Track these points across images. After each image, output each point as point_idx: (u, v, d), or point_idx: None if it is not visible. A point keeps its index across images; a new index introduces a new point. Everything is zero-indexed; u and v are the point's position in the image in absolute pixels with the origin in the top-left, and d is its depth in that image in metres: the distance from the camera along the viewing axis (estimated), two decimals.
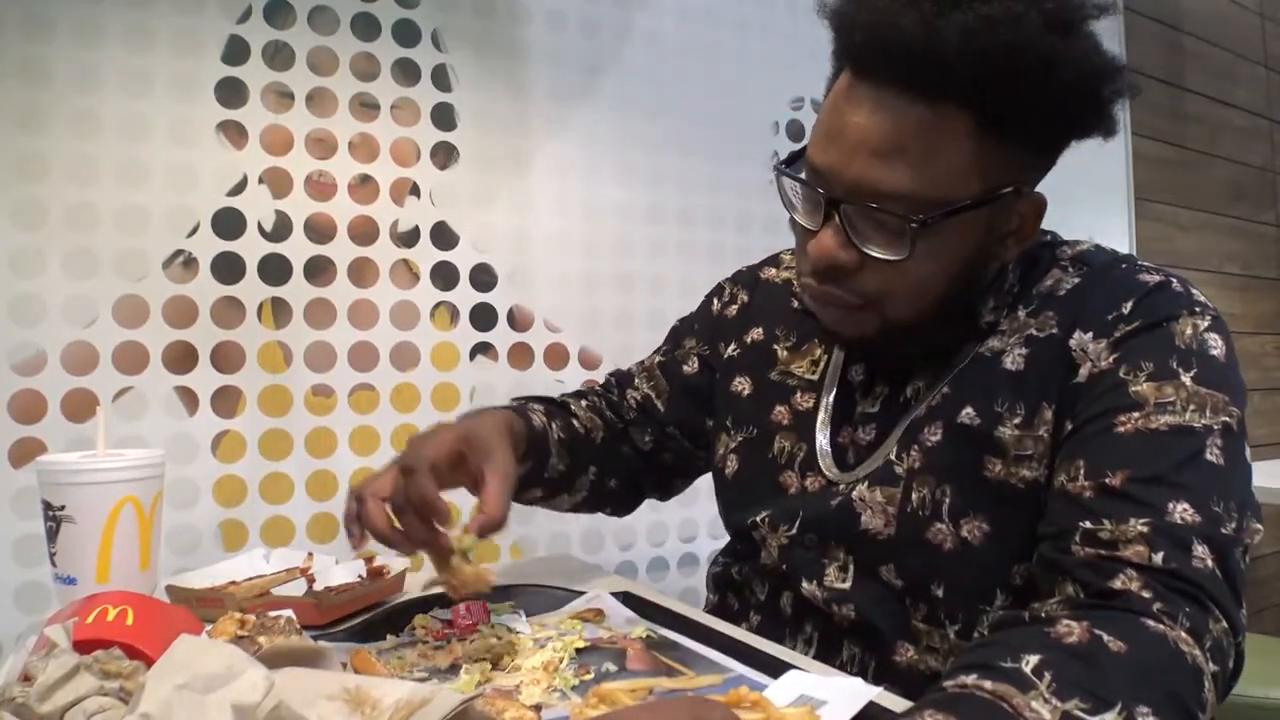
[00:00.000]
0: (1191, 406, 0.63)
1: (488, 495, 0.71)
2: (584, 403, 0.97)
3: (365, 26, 1.17)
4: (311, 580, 0.84)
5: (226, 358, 1.08)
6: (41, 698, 0.44)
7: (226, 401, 1.09)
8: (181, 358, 1.06)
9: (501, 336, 1.26)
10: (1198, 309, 0.68)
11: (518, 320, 1.28)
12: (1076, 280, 0.72)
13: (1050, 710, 0.48)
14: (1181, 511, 0.59)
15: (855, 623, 0.74)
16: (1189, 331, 0.66)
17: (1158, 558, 0.58)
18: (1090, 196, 1.99)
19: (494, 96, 1.26)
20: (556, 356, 1.30)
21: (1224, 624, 0.57)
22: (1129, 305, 0.68)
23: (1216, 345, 0.66)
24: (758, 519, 0.81)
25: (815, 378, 0.82)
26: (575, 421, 0.93)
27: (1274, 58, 2.64)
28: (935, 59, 0.61)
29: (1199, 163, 2.36)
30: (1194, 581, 0.57)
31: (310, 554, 0.90)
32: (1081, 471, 0.63)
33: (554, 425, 0.89)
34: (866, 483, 0.74)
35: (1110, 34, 2.06)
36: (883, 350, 0.77)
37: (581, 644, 0.68)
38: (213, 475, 1.07)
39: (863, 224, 0.66)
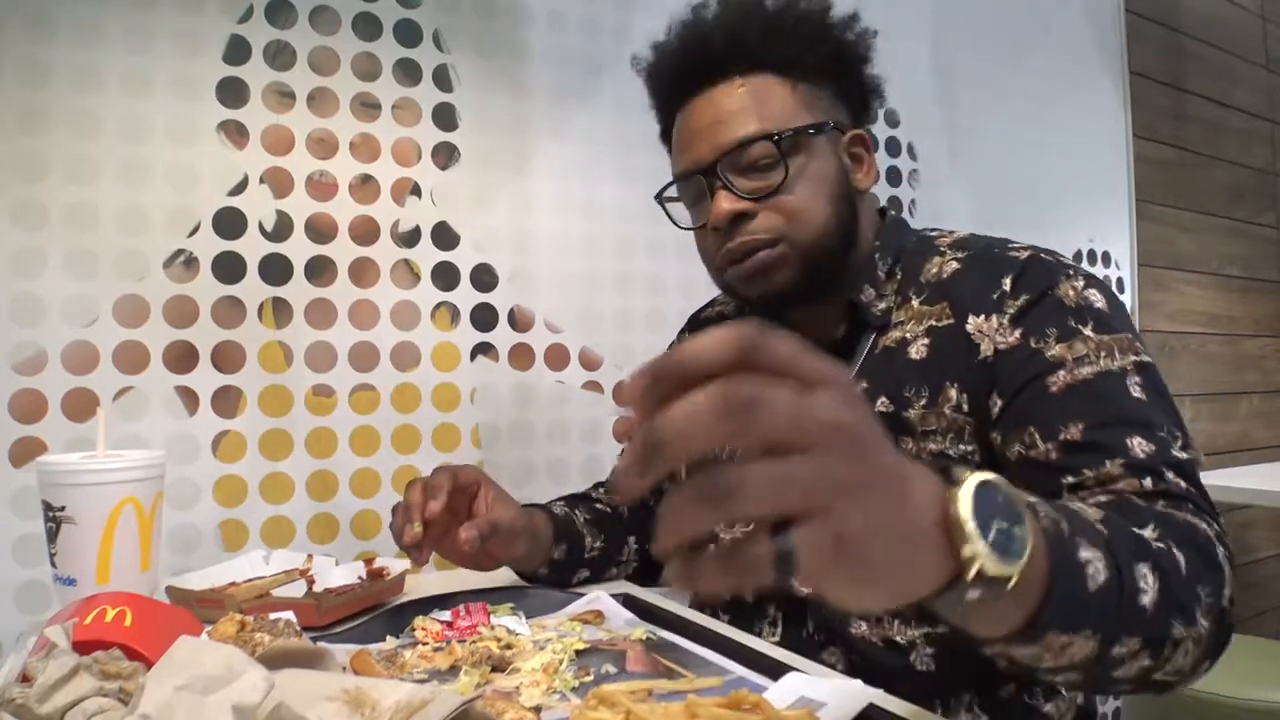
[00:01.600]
0: (1103, 353, 0.70)
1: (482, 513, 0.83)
2: (601, 490, 1.06)
3: (366, 26, 1.17)
4: (311, 582, 0.84)
5: (227, 358, 1.08)
6: (41, 698, 0.44)
7: (227, 401, 1.09)
8: (182, 357, 1.06)
9: (502, 337, 1.26)
10: (1070, 272, 0.75)
11: (518, 320, 1.27)
12: (956, 265, 0.79)
13: (1092, 509, 0.53)
14: (1139, 445, 0.65)
15: (808, 600, 0.81)
16: (1071, 293, 0.73)
17: (1146, 484, 0.63)
18: (1090, 198, 1.99)
19: (495, 97, 1.26)
20: (557, 357, 1.30)
21: (1216, 527, 0.61)
22: (1008, 282, 0.75)
23: (1099, 299, 0.73)
24: None
25: None
26: (599, 504, 1.01)
27: (1275, 59, 2.63)
28: (728, 48, 0.80)
29: (1199, 164, 2.36)
30: (1182, 497, 0.62)
31: (310, 555, 0.90)
32: (1037, 437, 0.69)
33: (577, 511, 0.96)
34: None
35: (1108, 35, 2.06)
36: (810, 291, 0.82)
37: (581, 646, 0.68)
38: (213, 475, 1.07)
39: (739, 176, 0.79)
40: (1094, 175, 2.01)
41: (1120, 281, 2.05)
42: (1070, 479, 0.66)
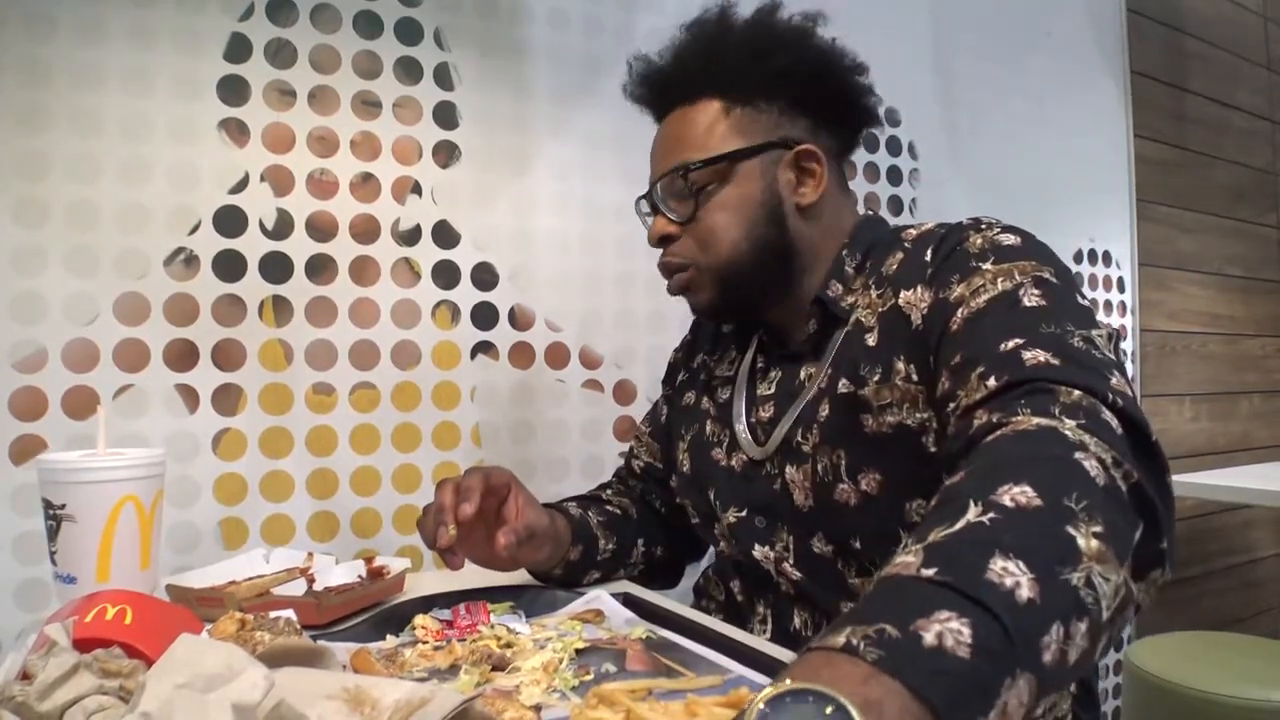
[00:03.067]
0: (1000, 279, 0.69)
1: (509, 520, 0.83)
2: (609, 491, 1.06)
3: (367, 25, 1.17)
4: (311, 580, 0.84)
5: (227, 356, 1.08)
6: (41, 696, 0.44)
7: (227, 399, 1.09)
8: (182, 355, 1.06)
9: (502, 336, 1.26)
10: (984, 225, 0.76)
11: (519, 319, 1.27)
12: (900, 256, 0.81)
13: (915, 553, 0.44)
14: (1009, 344, 0.63)
15: (799, 592, 0.82)
16: (979, 241, 0.74)
17: (991, 382, 0.62)
18: (1091, 198, 1.99)
19: (496, 95, 1.26)
20: (557, 356, 1.30)
21: (1076, 391, 0.57)
22: (929, 253, 0.77)
23: (1010, 239, 0.74)
24: (710, 496, 0.91)
25: (730, 374, 0.95)
26: (609, 506, 1.02)
27: (1276, 60, 2.63)
28: (675, 75, 0.88)
29: (1201, 165, 2.36)
30: (1029, 379, 0.60)
31: (310, 554, 0.90)
32: (943, 375, 0.69)
33: (590, 513, 0.97)
34: (792, 465, 0.82)
35: (1110, 35, 2.06)
36: (736, 308, 0.89)
37: (581, 645, 0.68)
38: (213, 473, 1.07)
39: (667, 203, 0.86)
40: (1095, 175, 2.01)
41: (1120, 281, 2.05)
42: (952, 405, 0.65)
